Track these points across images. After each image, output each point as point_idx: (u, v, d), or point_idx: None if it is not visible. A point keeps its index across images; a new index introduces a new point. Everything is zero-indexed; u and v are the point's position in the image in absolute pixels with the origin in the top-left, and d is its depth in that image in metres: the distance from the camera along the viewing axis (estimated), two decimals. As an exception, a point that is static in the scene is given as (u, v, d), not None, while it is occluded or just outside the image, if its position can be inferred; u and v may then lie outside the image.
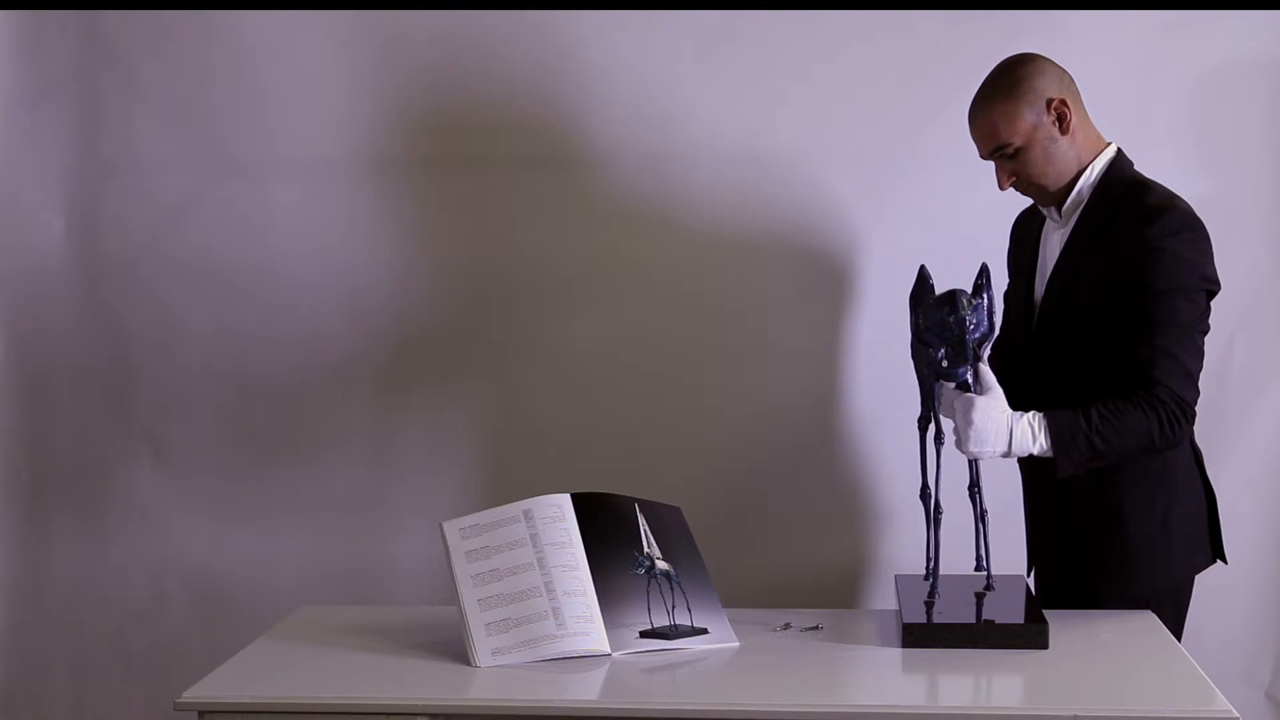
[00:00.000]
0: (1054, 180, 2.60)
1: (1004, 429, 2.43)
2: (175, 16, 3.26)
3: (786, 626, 2.52)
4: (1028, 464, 2.68)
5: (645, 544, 2.51)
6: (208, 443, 3.36)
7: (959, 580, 2.57)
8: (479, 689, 2.26)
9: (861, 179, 3.19)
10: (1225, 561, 2.72)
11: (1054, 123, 2.57)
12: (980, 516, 2.56)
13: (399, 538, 3.33)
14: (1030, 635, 2.36)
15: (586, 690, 2.28)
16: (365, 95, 3.25)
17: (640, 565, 2.47)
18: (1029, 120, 2.56)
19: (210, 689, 2.26)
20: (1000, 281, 2.80)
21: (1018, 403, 2.48)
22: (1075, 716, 2.09)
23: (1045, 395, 2.57)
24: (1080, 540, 2.65)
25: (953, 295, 2.44)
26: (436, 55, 3.23)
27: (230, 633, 3.07)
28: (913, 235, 3.15)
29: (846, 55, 3.18)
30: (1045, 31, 3.04)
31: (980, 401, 2.43)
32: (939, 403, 2.53)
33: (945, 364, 2.46)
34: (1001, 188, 2.63)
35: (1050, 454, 2.43)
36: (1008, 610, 2.45)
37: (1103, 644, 2.40)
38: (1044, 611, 2.45)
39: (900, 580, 2.66)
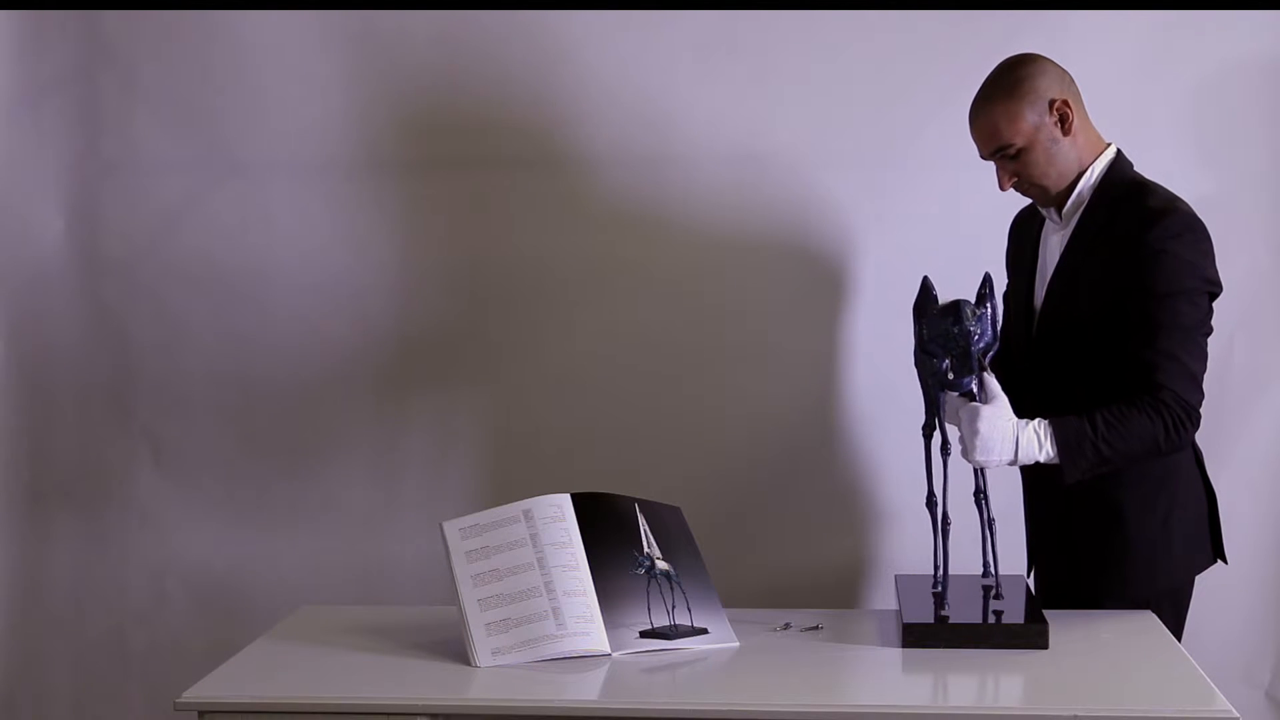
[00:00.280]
0: (1055, 181, 2.60)
1: (1010, 437, 2.42)
2: (175, 16, 3.26)
3: (786, 626, 2.52)
4: (1029, 466, 2.67)
5: (645, 544, 2.51)
6: (208, 443, 3.36)
7: (960, 580, 2.56)
8: (479, 689, 2.26)
9: (861, 179, 3.18)
10: (1225, 562, 2.72)
11: (1056, 123, 2.56)
12: (988, 524, 2.55)
13: (399, 538, 3.33)
14: (1030, 635, 2.36)
15: (586, 690, 2.28)
16: (365, 96, 3.25)
17: (640, 565, 2.47)
18: (1031, 121, 2.55)
19: (210, 689, 2.26)
20: (999, 282, 2.80)
21: (1019, 406, 2.47)
22: (1075, 716, 2.09)
23: (1046, 398, 2.57)
24: (1080, 541, 2.64)
25: (956, 306, 2.42)
26: (436, 56, 3.23)
27: (230, 633, 3.08)
28: (912, 236, 3.15)
29: (846, 55, 3.18)
30: (1045, 31, 3.04)
31: (986, 410, 2.42)
32: (944, 411, 2.51)
33: (950, 375, 2.44)
34: (1002, 188, 2.62)
35: (1056, 461, 2.43)
36: (1008, 610, 2.45)
37: (1103, 644, 2.40)
38: (1044, 611, 2.45)
39: (900, 580, 2.65)
